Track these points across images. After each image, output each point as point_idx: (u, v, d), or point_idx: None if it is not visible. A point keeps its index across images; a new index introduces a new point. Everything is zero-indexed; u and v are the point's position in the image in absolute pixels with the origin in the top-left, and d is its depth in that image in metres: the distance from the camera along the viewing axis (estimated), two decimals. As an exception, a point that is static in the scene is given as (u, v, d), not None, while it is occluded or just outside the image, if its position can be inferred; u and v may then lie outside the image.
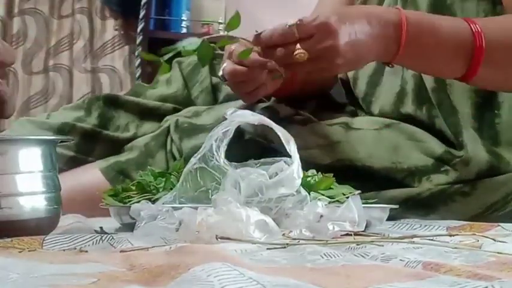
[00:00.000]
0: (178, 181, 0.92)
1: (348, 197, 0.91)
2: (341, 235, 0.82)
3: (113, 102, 1.30)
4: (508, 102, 1.21)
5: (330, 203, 0.92)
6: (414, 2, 1.22)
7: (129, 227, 0.86)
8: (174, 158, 1.19)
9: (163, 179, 0.99)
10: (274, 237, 0.76)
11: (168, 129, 1.23)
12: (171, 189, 0.93)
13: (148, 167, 1.08)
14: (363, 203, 0.93)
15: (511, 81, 1.14)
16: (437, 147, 1.18)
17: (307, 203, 0.85)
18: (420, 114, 1.22)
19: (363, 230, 0.82)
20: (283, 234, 0.79)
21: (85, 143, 1.26)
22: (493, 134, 1.20)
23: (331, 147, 1.17)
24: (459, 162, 1.16)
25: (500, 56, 1.09)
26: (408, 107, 1.24)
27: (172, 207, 0.82)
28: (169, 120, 1.24)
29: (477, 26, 1.07)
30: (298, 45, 0.97)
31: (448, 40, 1.07)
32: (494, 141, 1.19)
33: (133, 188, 0.98)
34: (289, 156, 0.87)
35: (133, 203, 0.91)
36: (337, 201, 0.94)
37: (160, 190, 0.97)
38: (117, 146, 1.25)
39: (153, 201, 0.90)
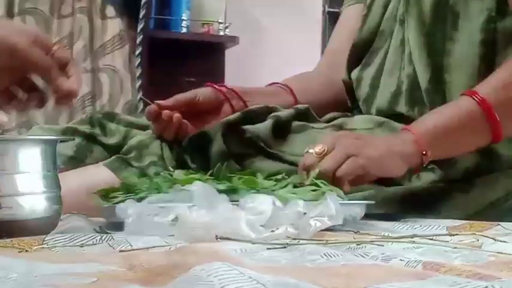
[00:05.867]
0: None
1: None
2: (341, 234, 0.82)
3: (110, 118, 1.34)
4: None
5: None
6: (418, 2, 1.23)
7: (119, 226, 0.86)
8: (170, 148, 1.20)
9: (148, 179, 1.00)
10: (263, 236, 0.77)
11: None
12: (156, 189, 0.94)
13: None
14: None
15: None
16: None
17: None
18: (412, 114, 1.25)
19: (340, 223, 0.84)
20: (272, 231, 0.79)
21: (85, 145, 1.29)
22: None
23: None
24: (445, 161, 1.17)
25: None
26: (401, 107, 1.27)
27: (160, 206, 0.83)
28: None
29: (478, 95, 1.11)
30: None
31: (463, 127, 1.12)
32: None
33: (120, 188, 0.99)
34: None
35: (118, 202, 0.91)
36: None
37: (145, 190, 0.96)
38: (110, 151, 1.28)
39: (139, 200, 0.90)
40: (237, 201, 0.83)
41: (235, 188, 0.93)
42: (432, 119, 1.13)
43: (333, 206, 0.84)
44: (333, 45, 1.51)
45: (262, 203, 0.82)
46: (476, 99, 1.11)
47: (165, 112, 1.19)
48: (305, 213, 0.83)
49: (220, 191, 0.85)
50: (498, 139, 1.13)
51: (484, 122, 1.11)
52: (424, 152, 1.08)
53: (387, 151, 1.05)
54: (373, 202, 0.99)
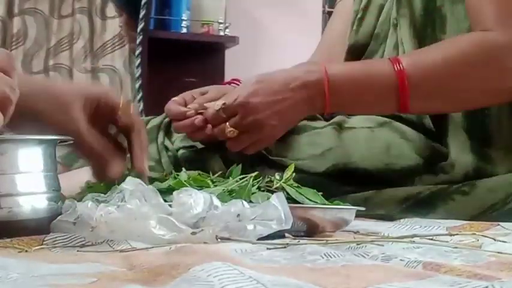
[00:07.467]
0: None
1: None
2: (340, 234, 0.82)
3: None
4: None
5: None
6: (409, 4, 1.23)
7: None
8: (167, 150, 1.19)
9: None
10: (181, 234, 0.74)
11: (157, 126, 1.23)
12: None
13: None
14: (353, 204, 0.93)
15: (447, 107, 1.18)
16: (425, 148, 1.19)
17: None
18: (410, 116, 1.23)
19: (289, 227, 0.79)
20: (194, 233, 0.76)
21: None
22: (484, 134, 1.19)
23: (324, 155, 1.17)
24: (445, 165, 1.17)
25: (429, 89, 1.13)
26: None
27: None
28: (158, 118, 1.25)
29: (401, 65, 1.12)
30: (227, 124, 1.10)
31: (372, 86, 1.14)
32: (485, 142, 1.19)
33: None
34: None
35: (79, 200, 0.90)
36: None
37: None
38: None
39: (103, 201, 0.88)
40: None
41: (174, 188, 0.86)
42: (349, 65, 1.17)
43: (281, 207, 0.79)
44: (330, 36, 1.50)
45: (195, 201, 0.77)
46: (396, 68, 1.12)
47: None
48: (238, 215, 0.78)
49: (160, 190, 0.81)
50: (405, 111, 1.15)
51: (395, 92, 1.12)
52: (326, 92, 1.11)
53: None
54: (363, 208, 0.97)
